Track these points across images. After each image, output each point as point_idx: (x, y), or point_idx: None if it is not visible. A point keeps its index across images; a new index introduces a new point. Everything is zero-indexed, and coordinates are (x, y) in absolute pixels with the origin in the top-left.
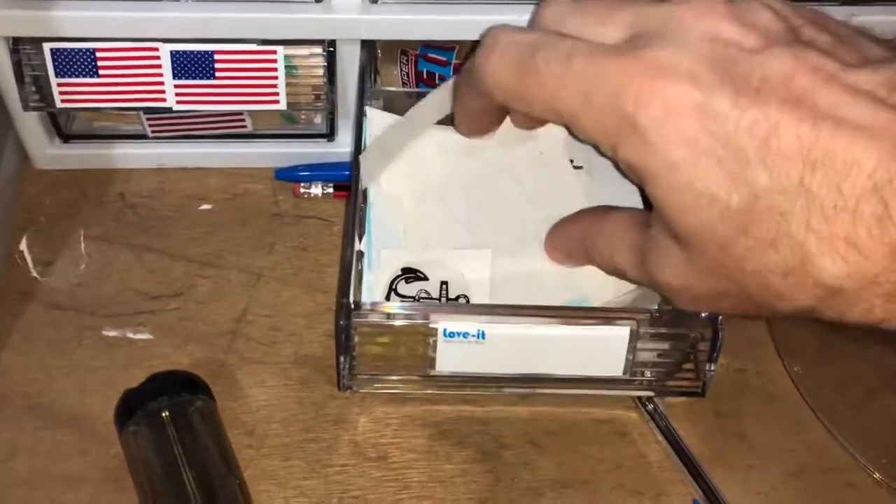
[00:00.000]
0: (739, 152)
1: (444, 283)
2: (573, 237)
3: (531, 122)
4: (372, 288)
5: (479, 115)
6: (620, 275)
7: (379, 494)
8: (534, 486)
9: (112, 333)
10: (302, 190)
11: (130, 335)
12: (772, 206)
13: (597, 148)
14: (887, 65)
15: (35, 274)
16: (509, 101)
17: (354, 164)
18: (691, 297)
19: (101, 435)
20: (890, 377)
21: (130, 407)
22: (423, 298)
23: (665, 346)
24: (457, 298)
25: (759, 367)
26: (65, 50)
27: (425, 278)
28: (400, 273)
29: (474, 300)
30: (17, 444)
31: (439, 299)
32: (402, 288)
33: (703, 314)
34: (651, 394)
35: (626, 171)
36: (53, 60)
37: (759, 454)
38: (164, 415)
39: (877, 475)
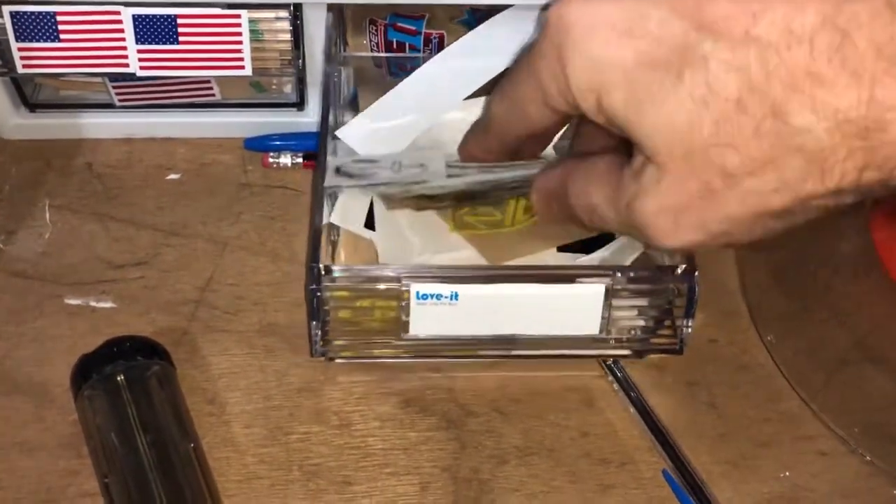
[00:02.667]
0: (675, 27)
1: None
2: (553, 182)
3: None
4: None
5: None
6: (598, 220)
7: (340, 462)
8: (497, 454)
9: (74, 302)
10: (271, 160)
11: (93, 304)
12: (724, 64)
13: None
14: None
15: None
16: (508, 128)
17: (322, 130)
18: (673, 220)
19: (59, 402)
20: (862, 345)
21: (86, 371)
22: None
23: (642, 302)
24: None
25: (732, 338)
26: (25, 13)
27: None
28: None
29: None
30: None
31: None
32: None
33: (678, 270)
34: (628, 353)
35: (587, 104)
36: (14, 24)
37: (730, 423)
38: (119, 378)
39: (850, 443)
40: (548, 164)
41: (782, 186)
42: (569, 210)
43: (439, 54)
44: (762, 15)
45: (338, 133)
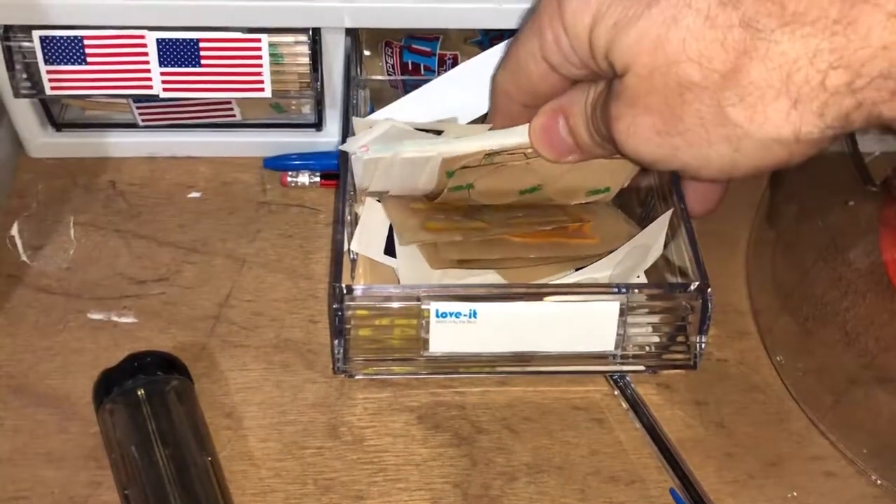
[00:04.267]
0: None
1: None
2: (546, 118)
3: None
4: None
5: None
6: (582, 141)
7: (353, 476)
8: (508, 471)
9: (97, 317)
10: (289, 179)
11: (115, 318)
12: None
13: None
14: None
15: (24, 258)
16: (514, 88)
17: (342, 153)
18: (629, 124)
19: (82, 414)
20: (871, 366)
21: (108, 385)
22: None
23: (655, 319)
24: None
25: (741, 358)
26: (54, 37)
27: None
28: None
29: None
30: (1, 423)
31: None
32: None
33: (691, 287)
34: (643, 369)
35: (579, 42)
36: (43, 48)
37: (738, 442)
38: (139, 393)
39: (858, 464)
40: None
41: (740, 101)
42: (563, 143)
43: (447, 73)
44: None
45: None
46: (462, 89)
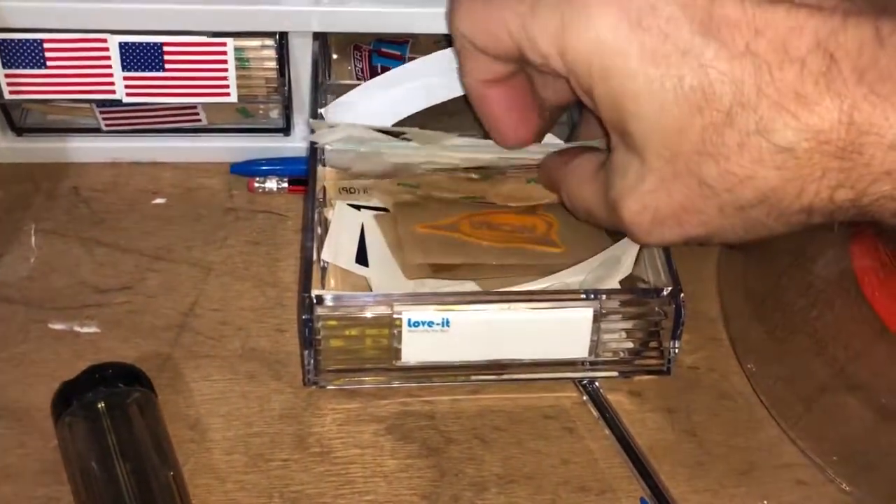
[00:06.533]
0: (683, 26)
1: None
2: (549, 178)
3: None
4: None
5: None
6: (593, 218)
7: (320, 489)
8: (478, 482)
9: (59, 327)
10: (256, 185)
11: (77, 328)
12: (722, 75)
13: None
14: None
15: None
16: (476, 39)
17: (311, 158)
18: (653, 219)
19: (40, 428)
20: (841, 374)
21: (67, 397)
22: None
23: (629, 325)
24: None
25: (712, 365)
26: (12, 41)
27: None
28: None
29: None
30: None
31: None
32: None
33: (664, 292)
34: (616, 374)
35: (579, 81)
36: (1, 51)
37: (709, 450)
38: (99, 406)
39: (828, 472)
40: (549, 155)
41: (759, 202)
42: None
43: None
44: (764, 31)
45: (323, 111)
46: (428, 76)
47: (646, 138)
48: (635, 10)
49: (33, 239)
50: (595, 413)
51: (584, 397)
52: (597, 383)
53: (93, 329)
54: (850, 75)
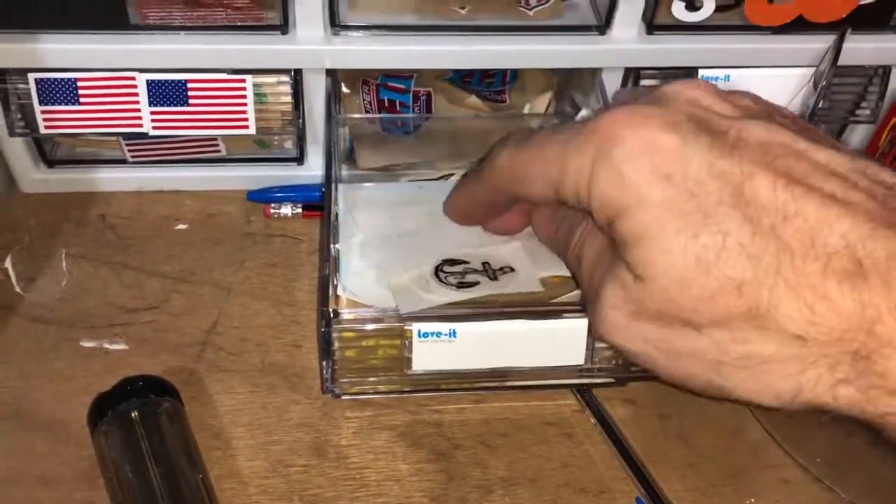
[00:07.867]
0: (712, 193)
1: (485, 262)
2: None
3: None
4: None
5: (478, 206)
6: (578, 269)
7: (337, 492)
8: (483, 484)
9: (89, 344)
10: (272, 211)
11: (107, 346)
12: (741, 247)
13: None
14: (856, 157)
15: (18, 290)
16: (506, 183)
17: (326, 184)
18: (622, 324)
19: (75, 438)
20: None
21: (102, 408)
22: (469, 273)
23: None
24: (502, 269)
25: None
26: (48, 79)
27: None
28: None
29: (517, 267)
30: None
31: (487, 275)
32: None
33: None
34: (612, 381)
35: (599, 215)
36: (38, 89)
37: (699, 453)
38: (133, 415)
39: (812, 472)
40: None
41: (743, 367)
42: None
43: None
44: (793, 219)
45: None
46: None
47: (649, 275)
48: (667, 164)
49: (64, 263)
50: (592, 420)
51: (582, 404)
52: (592, 391)
53: (121, 346)
54: (876, 285)
